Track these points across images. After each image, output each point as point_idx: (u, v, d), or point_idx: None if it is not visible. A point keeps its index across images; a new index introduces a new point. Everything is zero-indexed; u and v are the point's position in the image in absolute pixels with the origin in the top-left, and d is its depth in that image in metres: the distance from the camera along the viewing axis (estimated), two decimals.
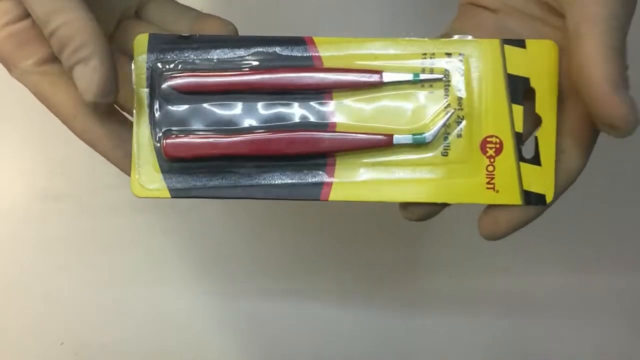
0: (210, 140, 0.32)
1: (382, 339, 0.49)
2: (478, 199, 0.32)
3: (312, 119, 0.33)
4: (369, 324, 0.49)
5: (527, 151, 0.32)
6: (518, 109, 0.32)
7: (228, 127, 0.33)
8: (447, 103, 0.32)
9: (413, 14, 0.49)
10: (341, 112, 0.32)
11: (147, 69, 0.33)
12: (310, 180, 0.32)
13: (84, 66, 0.29)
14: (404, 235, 0.50)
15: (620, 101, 0.27)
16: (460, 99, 0.32)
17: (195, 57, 0.33)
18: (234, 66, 0.33)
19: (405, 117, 0.32)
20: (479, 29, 0.33)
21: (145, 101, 0.33)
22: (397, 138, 0.32)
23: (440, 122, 0.32)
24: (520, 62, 0.32)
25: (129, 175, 0.33)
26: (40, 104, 0.32)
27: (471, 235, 0.33)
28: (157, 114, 0.33)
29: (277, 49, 0.33)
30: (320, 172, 0.32)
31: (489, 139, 0.32)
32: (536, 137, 0.32)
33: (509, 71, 0.32)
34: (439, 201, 0.32)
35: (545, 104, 0.32)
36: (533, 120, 0.32)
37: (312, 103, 0.33)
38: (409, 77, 0.32)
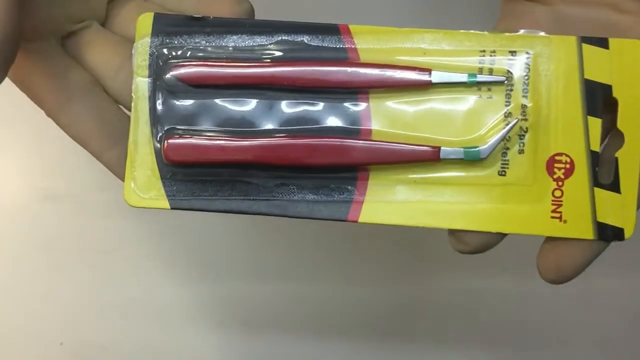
0: (220, 143, 0.28)
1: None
2: (541, 230, 0.28)
3: (342, 123, 0.28)
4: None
5: (604, 175, 0.28)
6: (595, 123, 0.27)
7: (242, 128, 0.28)
8: (508, 111, 0.28)
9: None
10: (378, 116, 0.28)
11: (150, 55, 0.29)
12: (336, 198, 0.28)
13: None
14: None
15: None
16: (524, 107, 0.28)
17: (207, 44, 0.29)
18: (253, 56, 0.28)
19: (456, 127, 0.28)
20: (533, 28, 0.29)
21: (146, 93, 0.28)
22: (445, 151, 0.28)
23: (499, 135, 0.27)
24: (601, 65, 0.27)
25: (124, 180, 0.29)
26: None
27: None
28: (159, 109, 0.28)
29: (305, 38, 0.28)
30: (350, 188, 0.28)
31: (557, 158, 0.28)
32: (616, 158, 0.28)
33: (587, 76, 0.27)
34: (493, 230, 0.28)
35: (630, 118, 0.27)
36: (613, 137, 0.28)
37: (344, 104, 0.28)
38: (463, 78, 0.28)
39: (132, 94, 0.28)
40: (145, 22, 0.28)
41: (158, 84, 0.28)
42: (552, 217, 0.28)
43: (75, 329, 0.49)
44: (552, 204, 0.28)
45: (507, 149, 0.28)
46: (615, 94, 0.27)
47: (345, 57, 0.28)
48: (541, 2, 0.29)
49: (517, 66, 0.28)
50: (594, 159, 0.27)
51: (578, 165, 0.27)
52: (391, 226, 0.28)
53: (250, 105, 0.28)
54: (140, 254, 0.49)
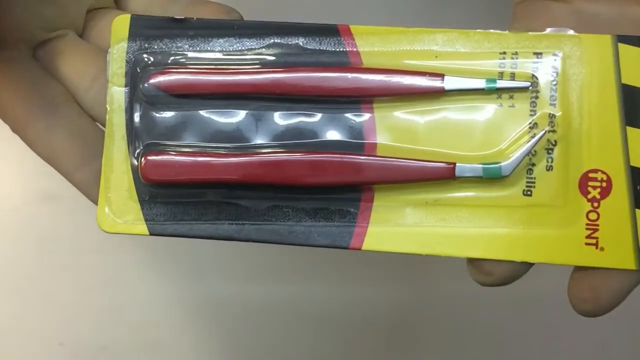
0: (206, 160, 0.25)
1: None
2: (574, 259, 0.24)
3: (344, 137, 0.25)
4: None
5: None
6: (636, 135, 0.24)
7: (230, 143, 0.26)
8: (533, 122, 0.25)
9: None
10: (384, 128, 0.25)
11: (127, 61, 0.26)
12: (336, 222, 0.25)
13: None
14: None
15: None
16: (552, 116, 0.25)
17: (191, 48, 0.26)
18: (242, 61, 0.26)
19: (473, 140, 0.25)
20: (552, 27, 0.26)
21: (123, 104, 0.26)
22: (462, 168, 0.25)
23: (524, 149, 0.24)
24: None
25: (97, 203, 0.26)
26: None
27: None
28: (137, 122, 0.26)
29: (301, 41, 0.26)
30: (352, 211, 0.25)
31: (591, 175, 0.25)
32: None
33: (625, 81, 0.24)
34: (517, 259, 0.25)
35: None
36: None
37: (345, 115, 0.25)
38: (480, 83, 0.25)
39: (107, 106, 0.26)
40: (121, 24, 0.26)
41: (136, 94, 0.26)
42: (587, 244, 0.24)
43: (75, 329, 0.49)
44: (587, 229, 0.24)
45: (533, 165, 0.25)
46: None
47: (347, 62, 0.25)
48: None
49: (544, 70, 0.25)
50: (635, 176, 0.24)
51: (616, 183, 0.24)
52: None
53: (239, 117, 0.26)
54: (140, 254, 0.50)
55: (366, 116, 0.25)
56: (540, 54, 0.25)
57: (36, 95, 0.26)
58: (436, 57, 0.25)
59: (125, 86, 0.26)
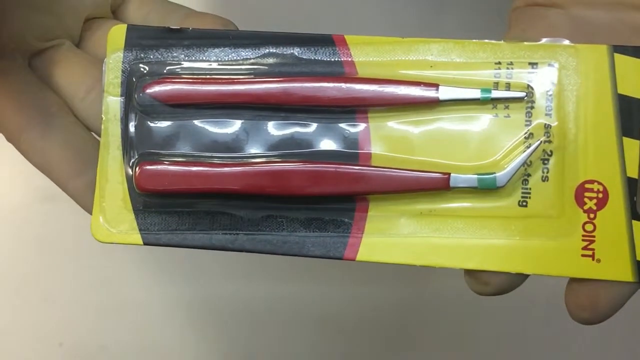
0: (200, 170, 0.25)
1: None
2: (570, 271, 0.24)
3: (338, 147, 0.25)
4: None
5: None
6: (632, 145, 0.24)
7: (224, 153, 0.25)
8: (529, 132, 0.25)
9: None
10: (379, 138, 0.25)
11: (123, 71, 0.26)
12: (331, 232, 0.25)
13: None
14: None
15: None
16: (548, 126, 0.25)
17: (186, 58, 0.26)
18: (238, 71, 0.26)
19: (468, 150, 0.25)
20: (549, 35, 0.26)
21: (118, 114, 0.26)
22: (456, 178, 0.24)
23: (519, 159, 0.24)
24: (637, 78, 0.24)
25: (91, 213, 0.26)
26: None
27: None
28: (132, 132, 0.26)
29: (296, 51, 0.26)
30: (346, 221, 0.25)
31: (588, 186, 0.24)
32: None
33: (621, 91, 0.24)
34: (512, 271, 0.24)
35: None
36: None
37: (339, 125, 0.25)
38: (475, 94, 0.25)
39: (102, 115, 0.25)
40: (117, 34, 0.26)
41: (131, 104, 0.26)
42: (583, 256, 0.24)
43: (75, 329, 0.49)
44: (583, 240, 0.24)
45: (529, 175, 0.24)
46: None
47: (341, 72, 0.25)
48: (555, 6, 0.26)
49: (539, 80, 0.25)
50: (631, 186, 0.24)
51: (612, 194, 0.24)
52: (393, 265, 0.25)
53: (234, 126, 0.26)
54: (140, 255, 0.49)
55: (361, 126, 0.25)
56: (536, 64, 0.24)
57: (31, 104, 0.26)
58: (431, 67, 0.25)
59: (121, 96, 0.26)
